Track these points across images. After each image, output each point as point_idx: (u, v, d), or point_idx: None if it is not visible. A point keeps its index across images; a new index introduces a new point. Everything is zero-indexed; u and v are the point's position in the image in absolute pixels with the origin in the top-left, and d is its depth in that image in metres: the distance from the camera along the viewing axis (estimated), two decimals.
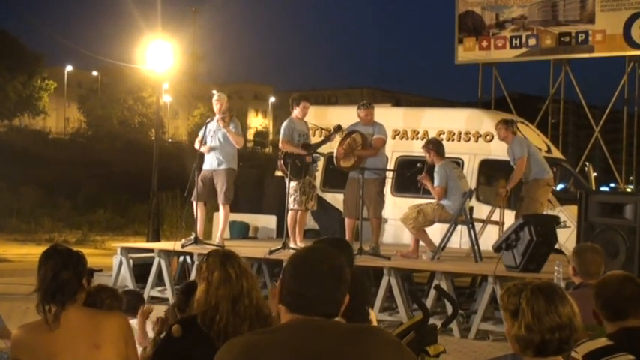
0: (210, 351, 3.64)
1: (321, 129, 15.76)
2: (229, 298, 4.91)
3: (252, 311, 4.90)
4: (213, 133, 14.32)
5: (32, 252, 20.97)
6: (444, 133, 16.85)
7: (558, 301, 3.92)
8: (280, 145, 14.05)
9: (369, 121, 14.03)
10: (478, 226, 14.47)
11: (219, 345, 4.59)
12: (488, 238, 13.78)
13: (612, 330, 4.75)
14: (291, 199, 13.86)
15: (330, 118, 16.91)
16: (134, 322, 6.34)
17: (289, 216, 13.98)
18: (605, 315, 4.84)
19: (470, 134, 16.83)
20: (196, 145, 14.52)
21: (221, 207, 14.47)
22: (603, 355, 4.52)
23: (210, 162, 14.32)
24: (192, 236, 14.27)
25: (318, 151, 14.06)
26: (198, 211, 14.43)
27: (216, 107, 14.38)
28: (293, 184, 13.76)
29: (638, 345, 4.55)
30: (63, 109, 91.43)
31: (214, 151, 14.24)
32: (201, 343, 4.80)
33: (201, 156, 14.41)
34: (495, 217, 14.67)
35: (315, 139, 14.83)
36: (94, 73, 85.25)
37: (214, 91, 15.59)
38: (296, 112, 14.03)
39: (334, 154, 13.94)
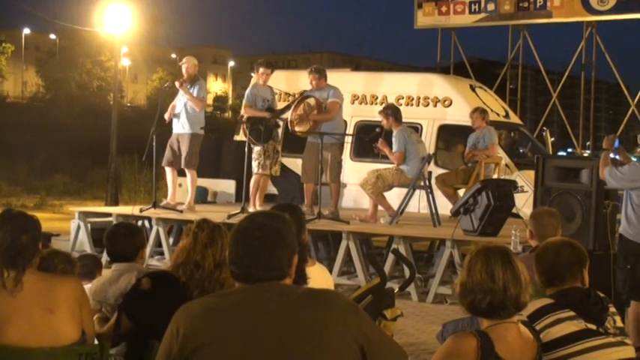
0: (179, 303, 3.62)
1: (287, 94, 15.67)
2: (214, 260, 4.93)
3: (230, 283, 4.92)
4: (181, 96, 14.31)
5: None
6: (402, 98, 16.86)
7: (498, 265, 3.93)
8: (243, 110, 14.01)
9: (318, 87, 13.95)
10: None
11: (194, 295, 4.60)
12: None
13: (551, 293, 4.97)
14: (255, 164, 13.85)
15: (302, 84, 16.75)
16: (90, 287, 6.30)
17: (253, 180, 13.97)
18: (544, 281, 5.05)
19: (429, 99, 16.84)
20: (165, 116, 14.50)
21: (187, 171, 14.45)
22: (547, 313, 4.72)
23: (176, 126, 14.34)
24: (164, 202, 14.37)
25: (283, 116, 14.06)
26: (170, 175, 14.44)
27: (183, 71, 14.39)
28: (257, 148, 13.76)
29: (574, 303, 4.78)
30: (20, 73, 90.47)
31: (180, 115, 14.23)
32: (171, 295, 4.79)
33: (160, 120, 14.36)
34: None
35: (281, 105, 14.79)
36: (52, 36, 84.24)
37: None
38: (256, 78, 13.99)
39: (288, 119, 13.89)
